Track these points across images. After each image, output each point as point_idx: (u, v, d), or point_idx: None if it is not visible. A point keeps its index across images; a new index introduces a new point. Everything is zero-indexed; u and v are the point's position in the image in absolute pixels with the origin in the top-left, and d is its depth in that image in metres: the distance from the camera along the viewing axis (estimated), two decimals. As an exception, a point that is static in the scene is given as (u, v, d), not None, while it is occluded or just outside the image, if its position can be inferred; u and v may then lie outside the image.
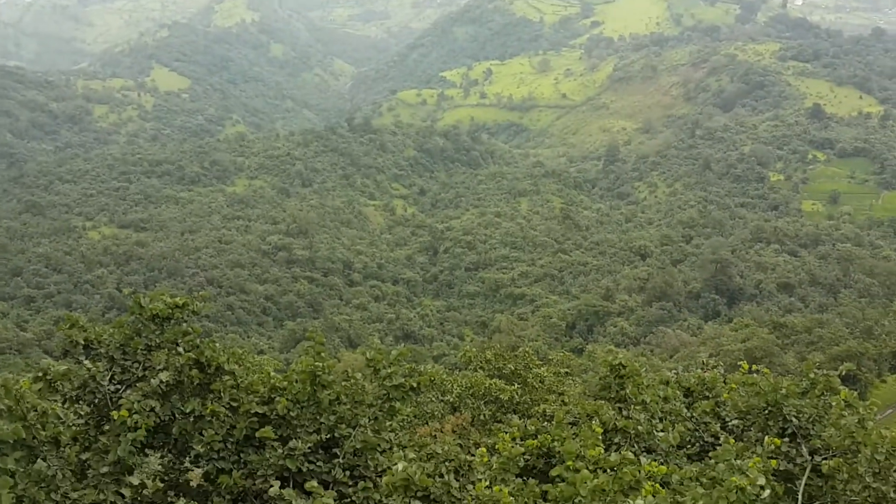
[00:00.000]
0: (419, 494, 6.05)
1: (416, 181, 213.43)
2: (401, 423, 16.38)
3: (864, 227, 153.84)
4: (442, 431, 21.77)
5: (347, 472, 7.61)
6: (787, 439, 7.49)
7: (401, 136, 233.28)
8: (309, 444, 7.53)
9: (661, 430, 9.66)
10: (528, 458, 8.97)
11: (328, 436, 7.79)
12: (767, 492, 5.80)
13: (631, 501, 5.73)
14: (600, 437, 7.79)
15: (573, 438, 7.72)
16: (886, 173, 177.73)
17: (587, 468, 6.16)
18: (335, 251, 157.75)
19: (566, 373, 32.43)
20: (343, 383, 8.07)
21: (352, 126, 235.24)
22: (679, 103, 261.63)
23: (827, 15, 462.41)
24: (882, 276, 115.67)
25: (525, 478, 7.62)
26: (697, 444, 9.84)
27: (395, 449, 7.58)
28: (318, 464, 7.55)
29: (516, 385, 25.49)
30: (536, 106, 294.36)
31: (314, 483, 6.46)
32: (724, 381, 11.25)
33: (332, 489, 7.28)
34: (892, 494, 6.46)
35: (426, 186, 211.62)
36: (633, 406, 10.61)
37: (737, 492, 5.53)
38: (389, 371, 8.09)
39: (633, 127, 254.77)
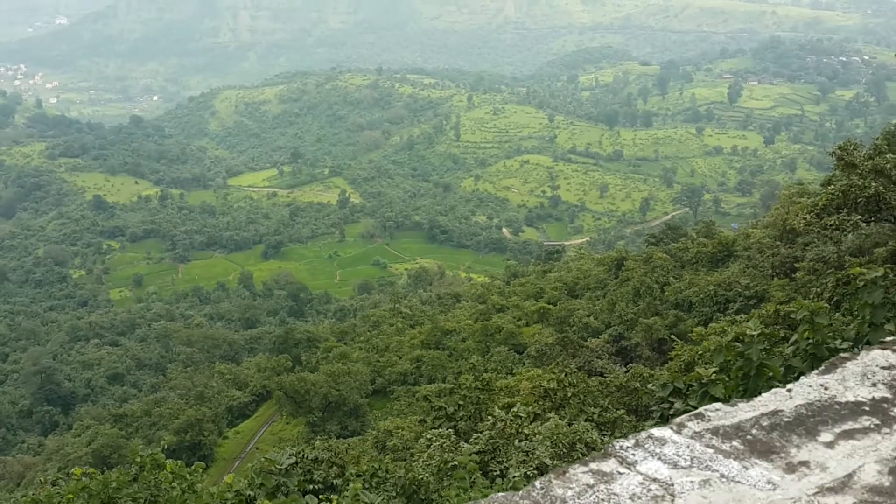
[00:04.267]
0: None
1: None
2: None
3: (173, 301, 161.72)
4: None
5: None
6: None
7: None
8: None
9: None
10: None
11: None
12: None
13: None
14: None
15: None
16: (178, 248, 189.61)
17: None
18: None
19: None
20: None
21: None
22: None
23: (84, 109, 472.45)
24: (200, 342, 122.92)
25: None
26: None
27: None
28: None
29: None
30: None
31: None
32: (60, 495, 10.76)
33: None
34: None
35: None
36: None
37: None
38: None
39: None
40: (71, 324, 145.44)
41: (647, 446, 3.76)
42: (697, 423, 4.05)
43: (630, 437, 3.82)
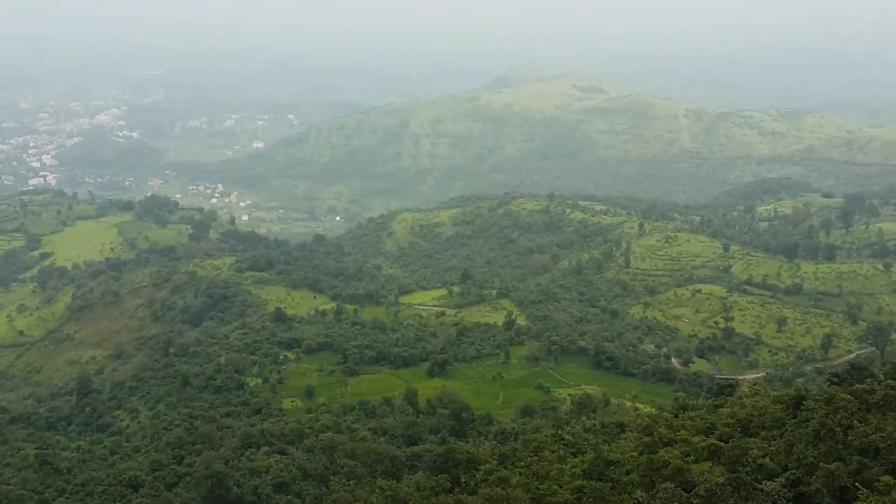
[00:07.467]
0: None
1: None
2: None
3: (340, 413, 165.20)
4: None
5: None
6: None
7: None
8: None
9: None
10: None
11: None
12: None
13: None
14: None
15: None
16: (349, 362, 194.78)
17: None
18: None
19: None
20: None
21: None
22: (148, 324, 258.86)
23: (273, 227, 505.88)
24: (363, 456, 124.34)
25: None
26: None
27: None
28: None
29: None
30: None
31: None
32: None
33: None
34: None
35: None
36: None
37: None
38: None
39: (104, 354, 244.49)
40: (244, 430, 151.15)
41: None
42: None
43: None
